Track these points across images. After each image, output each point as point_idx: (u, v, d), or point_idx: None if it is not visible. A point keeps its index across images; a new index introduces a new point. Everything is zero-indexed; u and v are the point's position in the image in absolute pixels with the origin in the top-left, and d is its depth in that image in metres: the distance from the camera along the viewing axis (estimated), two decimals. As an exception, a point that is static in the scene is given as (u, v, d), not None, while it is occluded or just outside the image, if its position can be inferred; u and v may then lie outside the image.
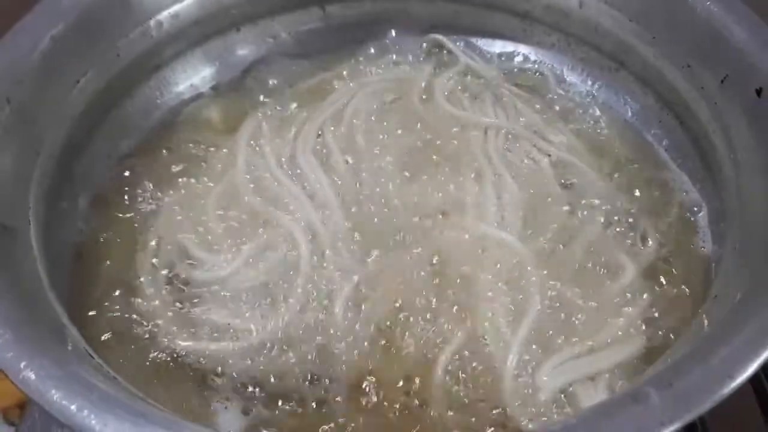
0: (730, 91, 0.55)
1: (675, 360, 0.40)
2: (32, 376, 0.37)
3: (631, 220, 0.60)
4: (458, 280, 0.55)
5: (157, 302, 0.55)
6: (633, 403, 0.36)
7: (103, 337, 0.53)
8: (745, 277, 0.45)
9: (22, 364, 0.38)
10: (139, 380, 0.50)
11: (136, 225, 0.60)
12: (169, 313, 0.54)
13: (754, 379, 0.41)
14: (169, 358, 0.52)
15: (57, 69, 0.56)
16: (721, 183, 0.57)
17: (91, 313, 0.54)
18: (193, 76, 0.70)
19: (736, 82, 0.54)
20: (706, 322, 0.45)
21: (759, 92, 0.52)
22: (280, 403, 0.50)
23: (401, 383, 0.51)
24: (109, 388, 0.39)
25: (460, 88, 0.70)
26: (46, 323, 0.44)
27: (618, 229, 0.59)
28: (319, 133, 0.66)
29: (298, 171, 0.63)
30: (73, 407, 0.36)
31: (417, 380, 0.51)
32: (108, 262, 0.58)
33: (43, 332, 0.42)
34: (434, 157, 0.64)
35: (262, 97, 0.70)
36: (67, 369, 0.39)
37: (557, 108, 0.69)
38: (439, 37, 0.74)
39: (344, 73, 0.72)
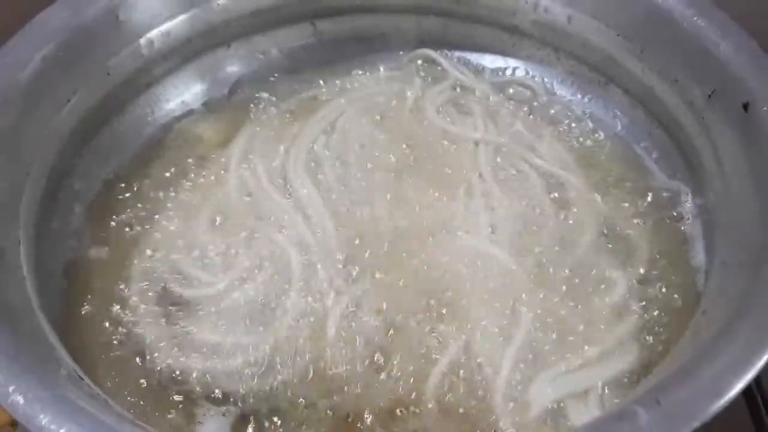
0: (718, 105, 0.55)
1: (663, 378, 0.40)
2: (20, 400, 0.37)
3: (621, 233, 0.60)
4: (449, 296, 0.55)
5: (147, 320, 0.55)
6: (620, 422, 0.36)
7: (92, 356, 0.52)
8: (734, 292, 0.46)
9: (11, 388, 0.38)
10: (129, 399, 0.50)
11: (127, 242, 0.60)
12: (160, 331, 0.54)
13: (746, 391, 0.41)
14: (159, 377, 0.52)
15: (47, 88, 0.56)
16: (710, 197, 0.57)
17: (81, 332, 0.54)
18: (184, 93, 0.70)
19: (723, 97, 0.55)
20: (694, 338, 0.45)
21: (746, 107, 0.52)
22: (271, 422, 0.50)
23: (393, 400, 0.51)
24: (97, 410, 0.39)
25: (450, 102, 0.71)
26: (35, 345, 0.44)
27: (609, 243, 0.59)
28: (311, 148, 0.66)
29: (290, 187, 0.63)
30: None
31: (409, 396, 0.51)
32: (99, 280, 0.58)
33: (31, 354, 0.42)
34: (425, 171, 0.64)
35: (253, 113, 0.70)
36: (55, 392, 0.39)
37: (547, 121, 0.69)
38: (429, 51, 0.74)
39: (335, 88, 0.72)
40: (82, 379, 0.43)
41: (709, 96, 0.56)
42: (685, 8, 0.58)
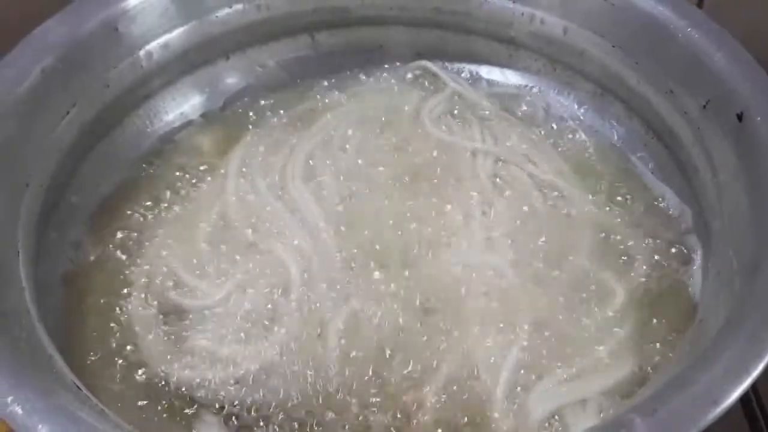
0: (712, 115, 0.56)
1: (659, 386, 0.40)
2: (19, 410, 0.37)
3: (619, 243, 0.60)
4: (447, 306, 0.55)
5: (146, 330, 0.55)
6: (618, 430, 0.36)
7: (91, 367, 0.52)
8: (729, 301, 0.46)
9: (9, 399, 0.38)
10: (128, 411, 0.50)
11: (126, 253, 0.60)
12: (159, 341, 0.54)
13: (743, 398, 0.41)
14: (158, 387, 0.52)
15: (46, 101, 0.56)
16: (706, 207, 0.57)
17: (79, 342, 0.54)
18: (182, 105, 0.71)
19: (718, 107, 0.55)
20: (692, 347, 0.46)
21: (740, 117, 0.53)
22: (270, 432, 0.50)
23: (393, 410, 0.51)
24: (96, 421, 0.39)
25: (448, 113, 0.71)
26: (33, 355, 0.44)
27: (606, 253, 0.59)
28: (309, 158, 0.66)
29: (288, 197, 0.63)
30: (59, 442, 0.36)
31: (408, 406, 0.51)
32: (97, 291, 0.58)
33: (29, 364, 0.42)
34: (423, 182, 0.64)
35: (251, 124, 0.70)
36: (53, 402, 0.39)
37: (544, 132, 0.70)
38: (427, 63, 0.75)
39: (333, 99, 0.72)
40: (81, 390, 0.43)
41: (704, 106, 0.57)
42: (680, 19, 0.59)
